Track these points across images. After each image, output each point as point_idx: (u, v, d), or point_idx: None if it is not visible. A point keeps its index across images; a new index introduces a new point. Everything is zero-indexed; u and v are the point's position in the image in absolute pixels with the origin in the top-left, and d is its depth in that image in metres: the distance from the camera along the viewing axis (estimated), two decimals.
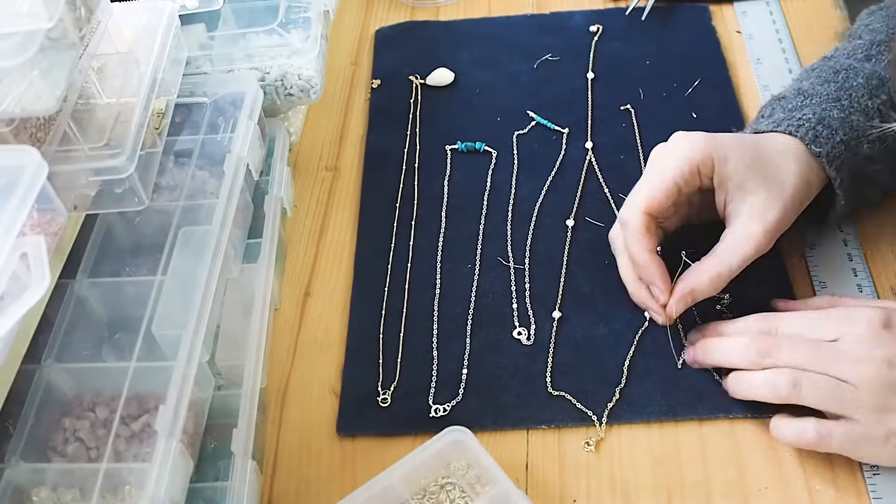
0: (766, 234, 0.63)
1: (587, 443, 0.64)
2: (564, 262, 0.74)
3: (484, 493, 0.59)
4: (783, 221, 0.64)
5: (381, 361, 0.69)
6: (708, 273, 0.64)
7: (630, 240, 0.66)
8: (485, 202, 0.80)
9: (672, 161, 0.64)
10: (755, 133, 0.68)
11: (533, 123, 0.86)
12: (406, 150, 0.85)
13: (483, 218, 0.78)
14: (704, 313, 0.69)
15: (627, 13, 0.95)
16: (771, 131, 0.67)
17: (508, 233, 0.77)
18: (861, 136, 0.66)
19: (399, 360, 0.69)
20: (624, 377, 0.66)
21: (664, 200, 0.64)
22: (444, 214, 0.79)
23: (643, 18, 0.94)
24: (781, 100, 0.71)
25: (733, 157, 0.64)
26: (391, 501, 0.59)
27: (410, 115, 0.88)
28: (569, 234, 0.76)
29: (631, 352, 0.68)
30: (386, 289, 0.74)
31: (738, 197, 0.64)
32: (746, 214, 0.64)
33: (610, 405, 0.65)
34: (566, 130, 0.85)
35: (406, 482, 0.60)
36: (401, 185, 0.82)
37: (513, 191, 0.80)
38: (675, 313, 0.65)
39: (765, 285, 0.71)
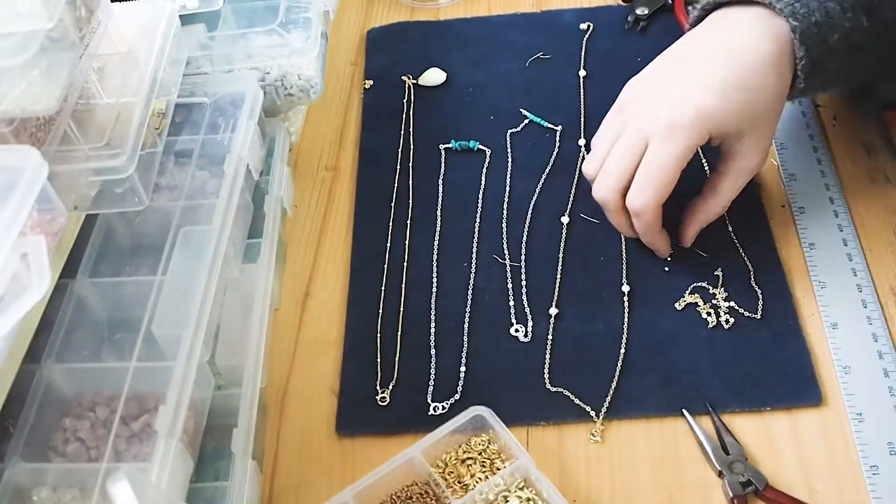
0: (764, 158, 0.68)
1: (592, 433, 0.64)
2: (560, 259, 0.74)
3: (504, 468, 0.60)
4: (773, 134, 0.68)
5: (378, 361, 0.69)
6: (721, 202, 0.69)
7: (645, 229, 0.69)
8: (480, 200, 0.80)
9: (674, 151, 0.64)
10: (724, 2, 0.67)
11: (526, 122, 0.86)
12: (400, 150, 0.85)
13: (478, 216, 0.78)
14: (695, 328, 0.69)
15: None
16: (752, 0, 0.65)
17: (504, 231, 0.77)
18: (831, 26, 0.63)
19: (397, 358, 0.69)
20: (622, 372, 0.67)
21: (670, 190, 0.66)
22: (439, 213, 0.79)
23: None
24: None
25: (729, 121, 0.64)
26: (413, 475, 0.61)
27: (403, 115, 0.88)
28: (564, 231, 0.76)
29: (628, 347, 0.68)
30: (383, 288, 0.74)
31: (734, 139, 0.66)
32: (745, 151, 0.66)
33: (608, 400, 0.65)
34: (559, 128, 0.85)
35: (428, 456, 0.61)
36: (395, 185, 0.82)
37: (507, 189, 0.80)
38: (690, 242, 0.72)
39: (763, 284, 0.71)
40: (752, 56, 0.63)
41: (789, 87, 0.66)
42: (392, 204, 0.80)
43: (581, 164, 0.81)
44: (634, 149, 0.66)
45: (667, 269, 0.73)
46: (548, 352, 0.69)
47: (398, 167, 0.83)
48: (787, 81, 0.65)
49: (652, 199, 0.65)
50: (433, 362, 0.69)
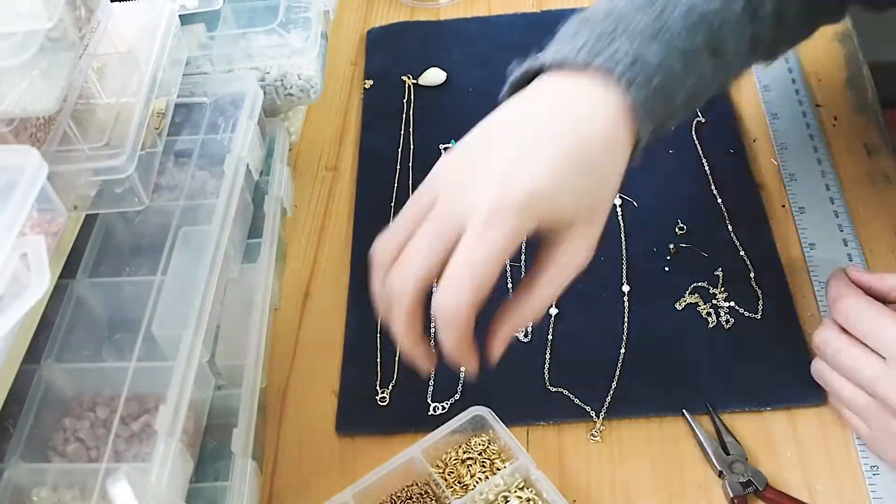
0: (592, 253, 0.55)
1: (592, 434, 0.64)
2: None
3: (504, 468, 0.60)
4: (603, 223, 0.55)
5: (378, 360, 0.69)
6: (537, 303, 0.55)
7: (453, 341, 0.52)
8: None
9: (497, 242, 0.50)
10: (560, 63, 0.55)
11: None
12: (400, 150, 0.85)
13: None
14: (695, 328, 0.69)
15: None
16: (583, 65, 0.53)
17: None
18: (675, 87, 0.55)
19: (397, 358, 0.69)
20: (621, 372, 0.66)
21: (488, 290, 0.51)
22: None
23: None
24: (587, 22, 0.57)
25: (564, 206, 0.52)
26: (413, 475, 0.61)
27: (403, 115, 0.88)
28: None
29: (628, 347, 0.68)
30: None
31: (563, 228, 0.53)
32: (574, 244, 0.54)
33: (608, 400, 0.65)
34: None
35: (428, 456, 0.61)
36: (395, 185, 0.82)
37: None
38: (499, 354, 0.56)
39: (763, 284, 0.71)
40: (585, 134, 0.52)
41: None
42: (392, 204, 0.80)
43: None
44: (444, 235, 0.51)
45: (667, 269, 0.73)
46: (548, 351, 0.69)
47: (398, 167, 0.83)
48: (625, 159, 0.54)
49: (466, 300, 0.50)
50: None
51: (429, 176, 0.55)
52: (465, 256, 0.50)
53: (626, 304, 0.71)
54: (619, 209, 0.77)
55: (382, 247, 0.54)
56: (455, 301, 0.50)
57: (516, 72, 0.57)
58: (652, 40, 0.54)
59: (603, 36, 0.54)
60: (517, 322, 0.55)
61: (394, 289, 0.52)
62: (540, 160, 0.51)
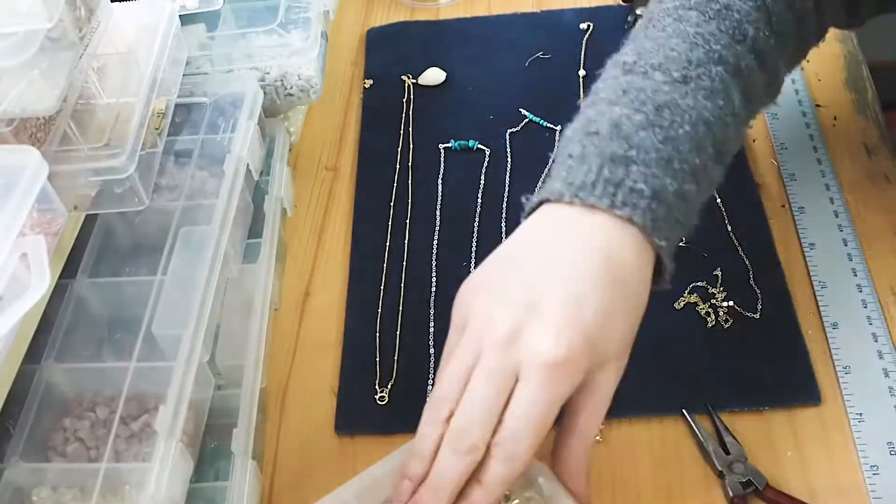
0: (620, 376, 0.53)
1: None
2: None
3: None
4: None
5: (378, 360, 0.69)
6: (587, 442, 0.52)
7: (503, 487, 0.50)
8: (479, 200, 0.80)
9: (556, 397, 0.48)
10: (575, 195, 0.51)
11: (525, 121, 0.86)
12: (399, 150, 0.85)
13: (477, 216, 0.78)
14: (694, 327, 0.69)
15: None
16: (606, 207, 0.50)
17: (503, 230, 0.77)
18: (692, 207, 0.54)
19: (396, 358, 0.69)
20: None
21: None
22: (438, 213, 0.79)
23: None
24: (593, 138, 0.53)
25: (608, 350, 0.50)
26: None
27: (403, 115, 0.88)
28: None
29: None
30: (382, 288, 0.74)
31: (596, 369, 0.51)
32: (609, 380, 0.52)
33: None
34: (559, 128, 0.85)
35: None
36: (395, 185, 0.82)
37: (506, 188, 0.80)
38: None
39: (762, 284, 0.71)
40: (628, 269, 0.50)
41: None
42: (392, 203, 0.80)
43: None
44: (502, 390, 0.48)
45: None
46: None
47: (398, 167, 0.83)
48: (649, 284, 0.53)
49: (526, 455, 0.48)
50: (432, 361, 0.69)
51: (455, 314, 0.52)
52: (527, 412, 0.48)
53: None
54: None
55: (439, 410, 0.51)
56: (519, 454, 0.48)
57: (532, 199, 0.54)
58: (667, 167, 0.52)
59: (616, 161, 0.51)
60: (577, 466, 0.53)
61: (465, 445, 0.49)
62: (587, 304, 0.49)
